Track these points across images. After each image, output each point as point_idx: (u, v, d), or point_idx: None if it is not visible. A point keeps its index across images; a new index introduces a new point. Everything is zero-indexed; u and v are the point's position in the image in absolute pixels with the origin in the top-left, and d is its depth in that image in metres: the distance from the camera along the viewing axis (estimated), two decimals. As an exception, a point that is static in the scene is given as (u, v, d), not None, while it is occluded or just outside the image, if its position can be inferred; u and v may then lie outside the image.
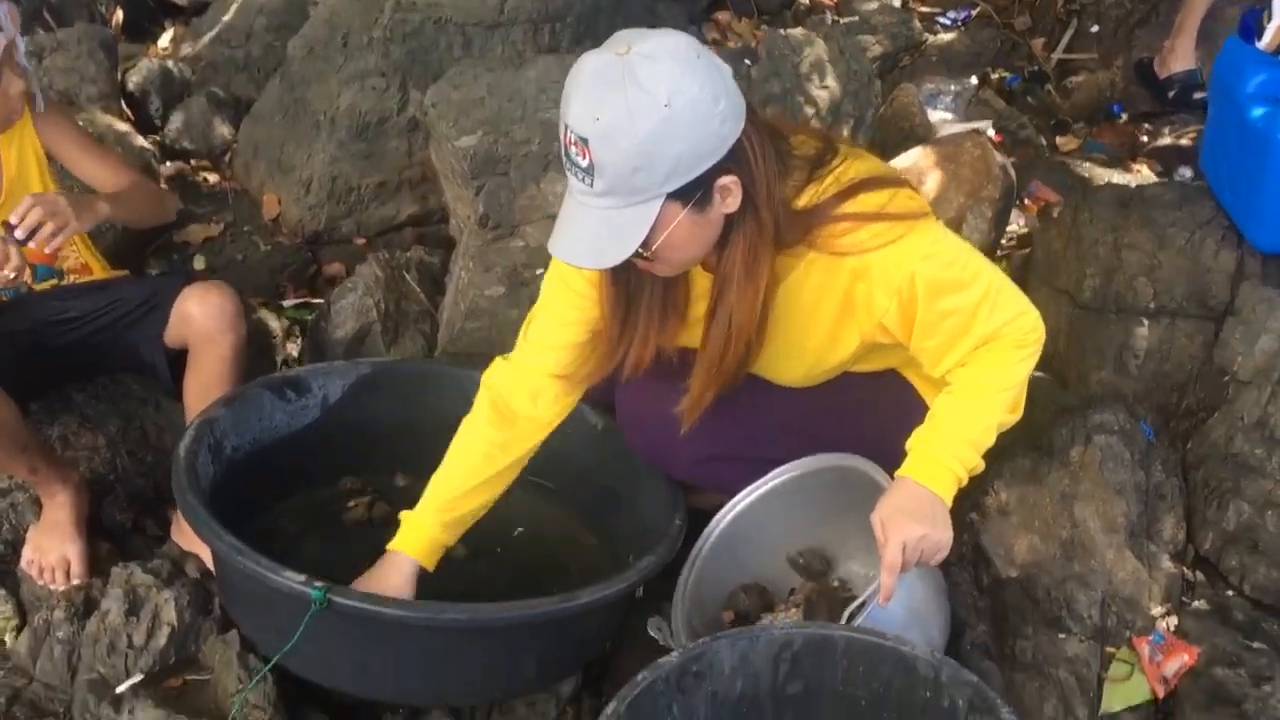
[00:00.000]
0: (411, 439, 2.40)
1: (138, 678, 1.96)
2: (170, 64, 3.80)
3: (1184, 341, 2.47)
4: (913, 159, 3.04)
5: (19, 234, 2.17)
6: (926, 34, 4.42)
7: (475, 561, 2.19)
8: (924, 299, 1.80)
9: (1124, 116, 4.03)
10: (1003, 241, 3.13)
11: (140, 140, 3.36)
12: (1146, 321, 2.50)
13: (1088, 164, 3.58)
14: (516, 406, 2.01)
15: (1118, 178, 3.47)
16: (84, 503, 2.32)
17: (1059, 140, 3.88)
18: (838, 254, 1.80)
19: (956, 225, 2.91)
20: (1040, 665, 2.01)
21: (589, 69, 1.62)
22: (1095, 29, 4.28)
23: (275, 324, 2.92)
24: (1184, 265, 2.47)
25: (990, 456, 1.89)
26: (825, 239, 1.79)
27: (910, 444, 1.85)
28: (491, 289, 2.61)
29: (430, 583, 2.07)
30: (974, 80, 3.94)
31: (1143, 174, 3.56)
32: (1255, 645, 2.02)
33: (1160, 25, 4.05)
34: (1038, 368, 1.94)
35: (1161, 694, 1.98)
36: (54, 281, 2.47)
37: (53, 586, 2.25)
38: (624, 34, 1.67)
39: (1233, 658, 1.99)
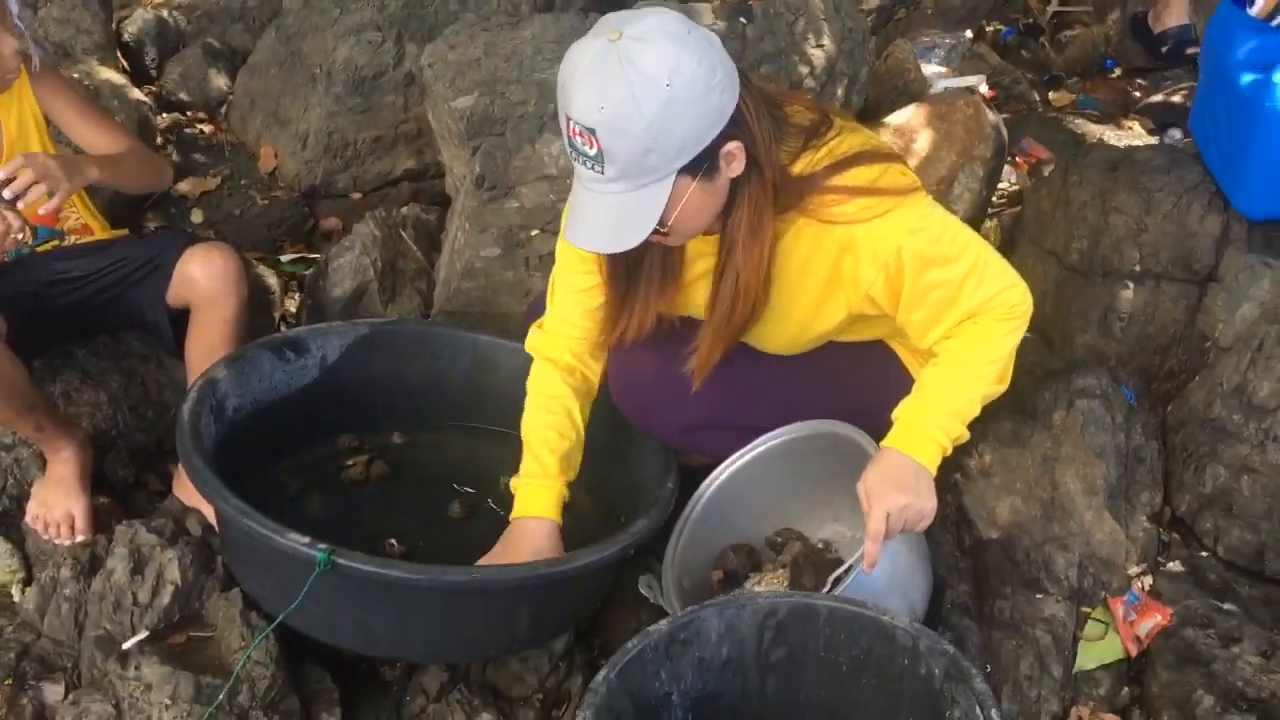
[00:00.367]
0: (408, 398, 2.46)
1: (143, 634, 2.00)
2: (165, 13, 3.78)
3: (1168, 305, 2.50)
4: (905, 117, 3.05)
5: (6, 194, 2.13)
6: (923, -13, 4.40)
7: (470, 521, 2.25)
8: (910, 272, 1.82)
9: (1117, 71, 4.03)
10: (994, 199, 3.15)
11: (136, 92, 3.35)
12: (1131, 285, 2.54)
13: (1080, 120, 3.60)
14: (569, 361, 2.09)
15: (1109, 135, 3.49)
16: (88, 459, 2.35)
17: (1052, 95, 3.89)
18: (827, 221, 1.82)
19: (948, 184, 2.93)
20: (1018, 624, 2.05)
21: (584, 59, 1.63)
22: (1091, -18, 4.27)
23: (273, 280, 2.94)
24: (1170, 229, 2.50)
25: (975, 420, 1.92)
26: (816, 206, 1.82)
27: (896, 414, 1.89)
28: (487, 249, 2.63)
29: (426, 541, 2.13)
30: (968, 34, 3.93)
31: (1134, 131, 3.58)
32: (1226, 606, 2.07)
33: (1155, -20, 4.04)
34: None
35: (1134, 653, 2.04)
36: (55, 242, 2.48)
37: (58, 541, 2.28)
38: (610, 18, 1.68)
39: (1204, 619, 2.05)
